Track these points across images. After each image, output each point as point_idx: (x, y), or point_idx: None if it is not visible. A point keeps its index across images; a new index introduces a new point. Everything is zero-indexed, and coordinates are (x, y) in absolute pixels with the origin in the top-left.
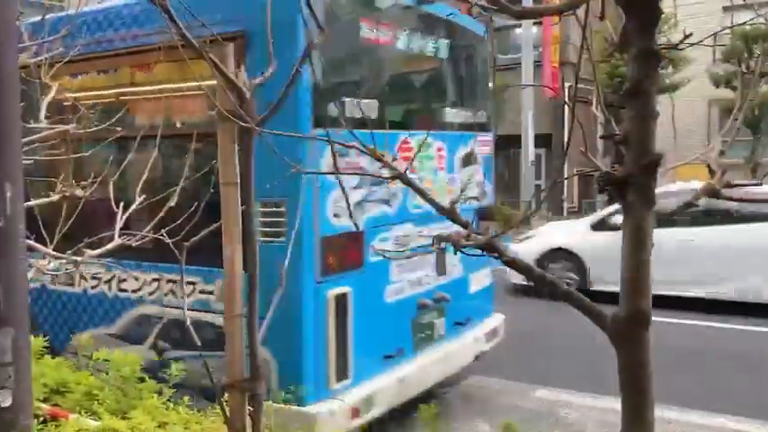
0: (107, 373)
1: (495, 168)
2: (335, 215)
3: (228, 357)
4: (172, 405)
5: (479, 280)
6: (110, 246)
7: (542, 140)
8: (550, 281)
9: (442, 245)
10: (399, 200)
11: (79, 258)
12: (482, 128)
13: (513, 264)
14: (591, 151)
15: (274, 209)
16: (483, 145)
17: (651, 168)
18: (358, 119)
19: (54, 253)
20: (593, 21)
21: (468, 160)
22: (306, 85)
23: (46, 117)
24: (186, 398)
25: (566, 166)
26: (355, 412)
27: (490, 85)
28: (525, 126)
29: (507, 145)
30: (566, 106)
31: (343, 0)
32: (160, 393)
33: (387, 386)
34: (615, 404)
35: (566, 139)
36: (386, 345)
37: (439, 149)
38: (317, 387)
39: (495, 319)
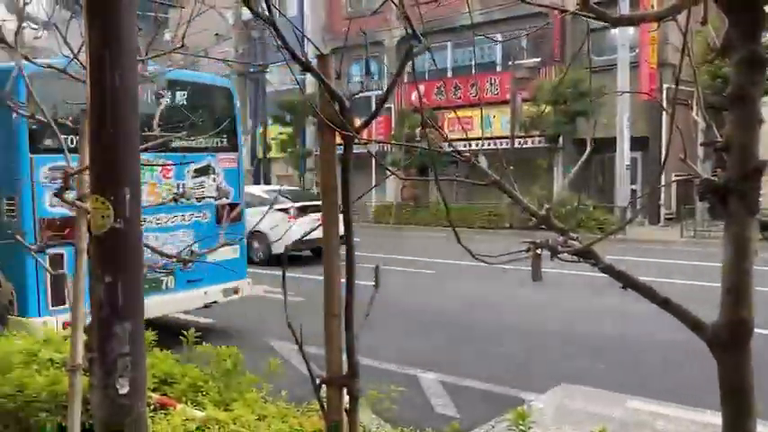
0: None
1: (589, 172)
2: (52, 205)
3: (327, 354)
4: (270, 399)
5: (221, 254)
6: (215, 246)
7: (638, 143)
8: (648, 288)
9: (539, 251)
10: None
11: (186, 257)
12: (225, 150)
13: (610, 270)
14: (690, 155)
15: (12, 201)
16: (225, 161)
17: (754, 176)
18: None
19: (165, 252)
20: (693, 24)
21: (205, 171)
22: (23, 126)
23: (158, 125)
24: (285, 392)
25: (663, 170)
26: (66, 324)
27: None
28: (621, 128)
29: (602, 148)
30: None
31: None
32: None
33: None
34: (712, 418)
35: (664, 144)
36: None
37: (165, 164)
38: (39, 308)
39: (239, 282)
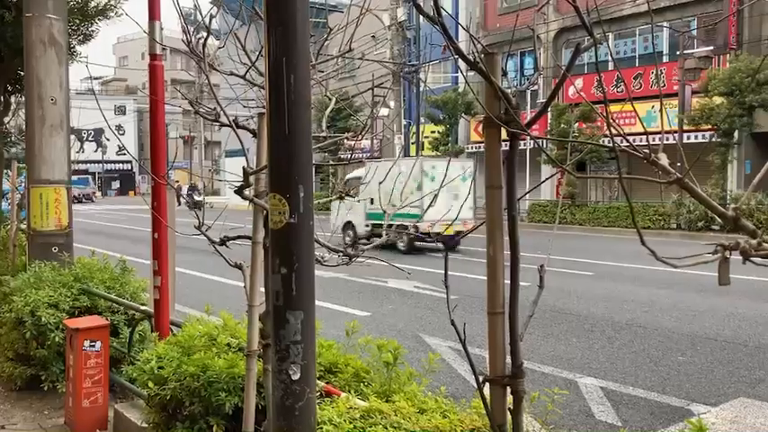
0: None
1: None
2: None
3: (490, 353)
4: (429, 393)
5: None
6: (378, 241)
7: None
8: None
9: (727, 254)
10: None
11: (352, 252)
12: None
13: None
14: None
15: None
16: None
17: None
18: None
19: (333, 246)
20: None
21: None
22: None
23: (327, 126)
24: (443, 388)
25: None
26: None
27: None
28: None
29: None
30: None
31: None
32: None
33: None
34: None
35: None
36: None
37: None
38: None
39: None
